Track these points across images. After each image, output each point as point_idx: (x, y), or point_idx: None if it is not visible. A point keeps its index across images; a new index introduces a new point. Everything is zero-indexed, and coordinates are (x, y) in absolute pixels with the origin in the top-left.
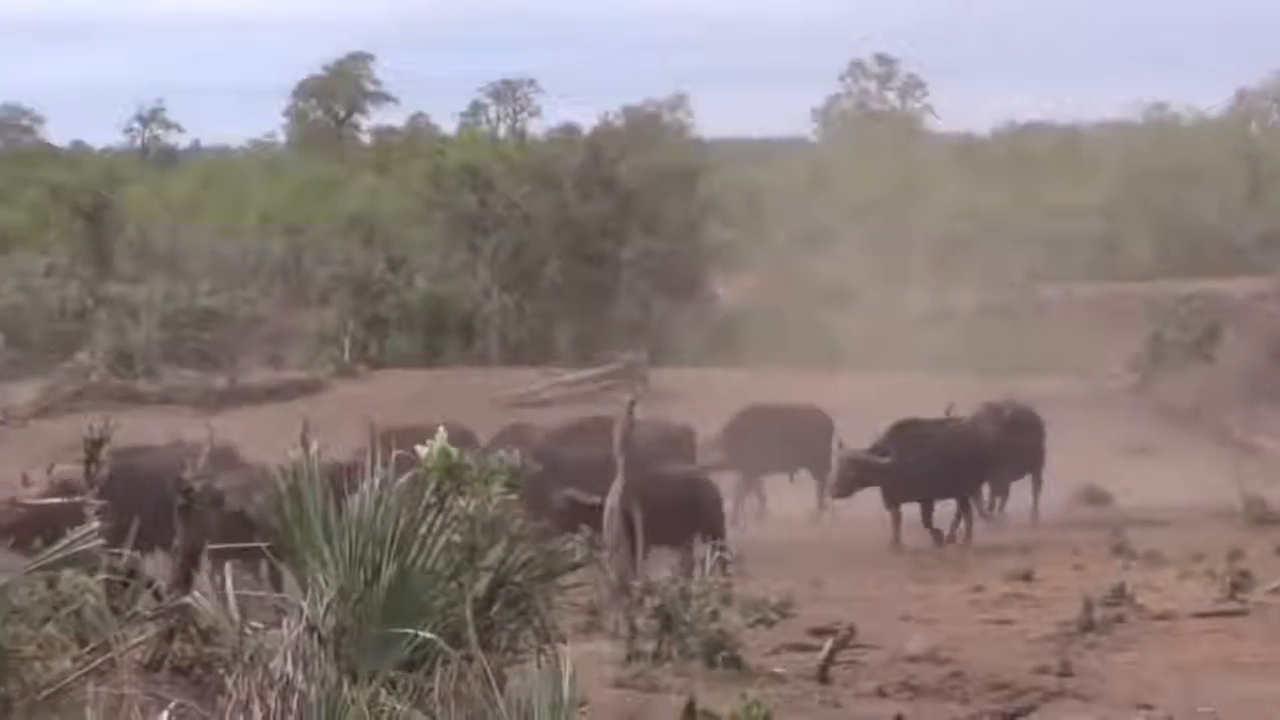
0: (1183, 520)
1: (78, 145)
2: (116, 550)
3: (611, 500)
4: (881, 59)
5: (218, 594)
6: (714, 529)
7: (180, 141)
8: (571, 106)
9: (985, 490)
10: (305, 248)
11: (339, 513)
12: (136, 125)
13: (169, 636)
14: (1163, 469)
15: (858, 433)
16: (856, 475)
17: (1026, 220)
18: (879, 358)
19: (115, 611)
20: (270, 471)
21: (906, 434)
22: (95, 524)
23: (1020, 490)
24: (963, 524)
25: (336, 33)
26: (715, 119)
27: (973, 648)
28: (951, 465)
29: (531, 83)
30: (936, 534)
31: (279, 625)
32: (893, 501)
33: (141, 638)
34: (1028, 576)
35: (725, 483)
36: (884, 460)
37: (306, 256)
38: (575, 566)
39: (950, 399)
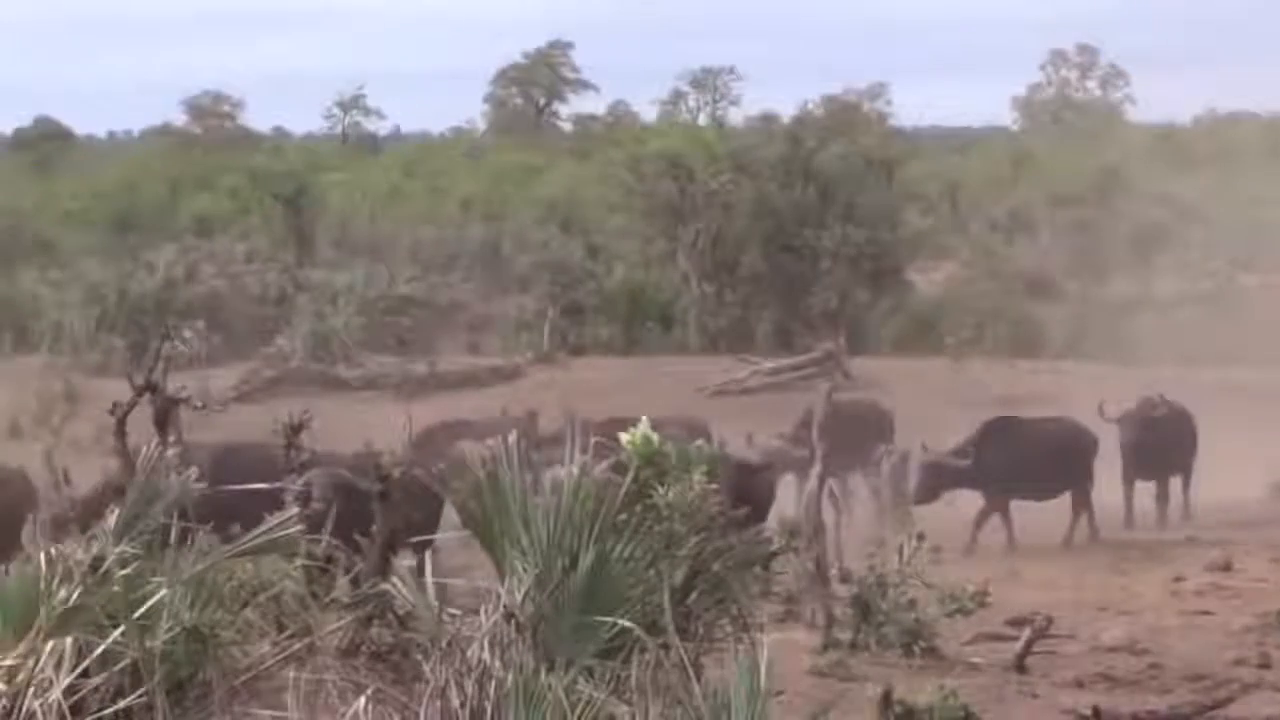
0: None
1: (278, 132)
2: (315, 536)
3: (810, 485)
4: (1083, 48)
5: (416, 580)
6: None
7: (381, 128)
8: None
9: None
10: (505, 235)
11: (538, 498)
12: (337, 112)
13: (367, 622)
14: None
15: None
16: (937, 479)
17: (1227, 209)
18: (1078, 347)
19: (314, 597)
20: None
21: (995, 433)
22: (294, 509)
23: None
24: (1085, 522)
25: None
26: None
27: (1171, 639)
28: (1045, 464)
29: (731, 71)
30: (1009, 535)
31: (477, 612)
32: (993, 504)
33: (340, 623)
34: (1227, 567)
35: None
36: (963, 462)
37: (506, 243)
38: (773, 555)
39: (1155, 389)
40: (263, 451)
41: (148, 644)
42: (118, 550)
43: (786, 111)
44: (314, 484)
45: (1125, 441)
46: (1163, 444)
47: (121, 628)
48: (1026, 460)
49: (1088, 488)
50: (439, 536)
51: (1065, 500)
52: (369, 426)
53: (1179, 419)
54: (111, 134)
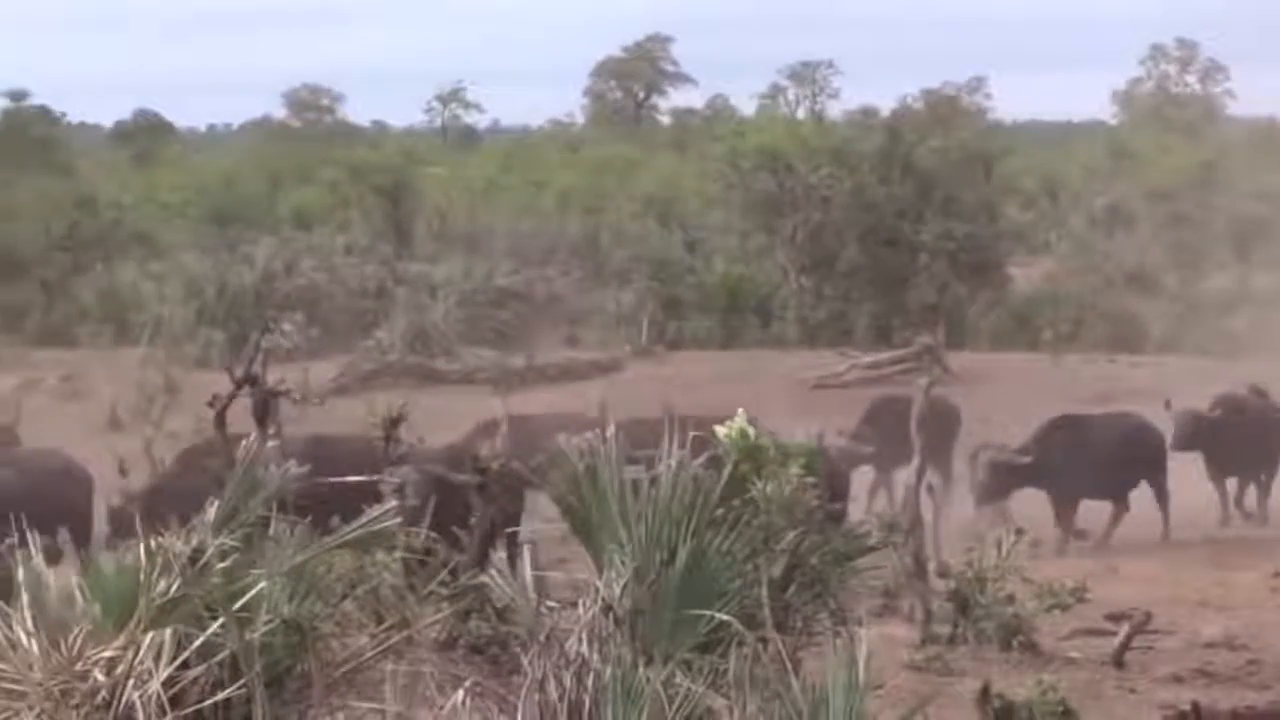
0: None
1: (378, 125)
2: (414, 529)
3: (909, 479)
4: (1182, 43)
5: (514, 573)
6: None
7: (480, 122)
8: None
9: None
10: (603, 228)
11: (636, 493)
12: (436, 105)
13: (465, 615)
14: None
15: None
16: (1001, 478)
17: None
18: (1177, 342)
19: (412, 590)
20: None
21: (1057, 431)
22: (392, 502)
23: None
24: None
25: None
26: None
27: (1270, 634)
28: (1109, 462)
29: (830, 64)
30: (1079, 534)
31: (575, 605)
32: (1058, 502)
33: (438, 616)
34: None
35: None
36: (1024, 460)
37: (604, 237)
38: (870, 549)
39: (1259, 383)
40: (353, 444)
41: (247, 636)
42: (217, 542)
43: (886, 106)
44: (407, 479)
45: (1196, 437)
46: (1245, 440)
47: (221, 620)
48: (1089, 458)
49: (1162, 483)
50: (536, 529)
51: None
52: (466, 420)
53: (1265, 414)
54: (211, 127)
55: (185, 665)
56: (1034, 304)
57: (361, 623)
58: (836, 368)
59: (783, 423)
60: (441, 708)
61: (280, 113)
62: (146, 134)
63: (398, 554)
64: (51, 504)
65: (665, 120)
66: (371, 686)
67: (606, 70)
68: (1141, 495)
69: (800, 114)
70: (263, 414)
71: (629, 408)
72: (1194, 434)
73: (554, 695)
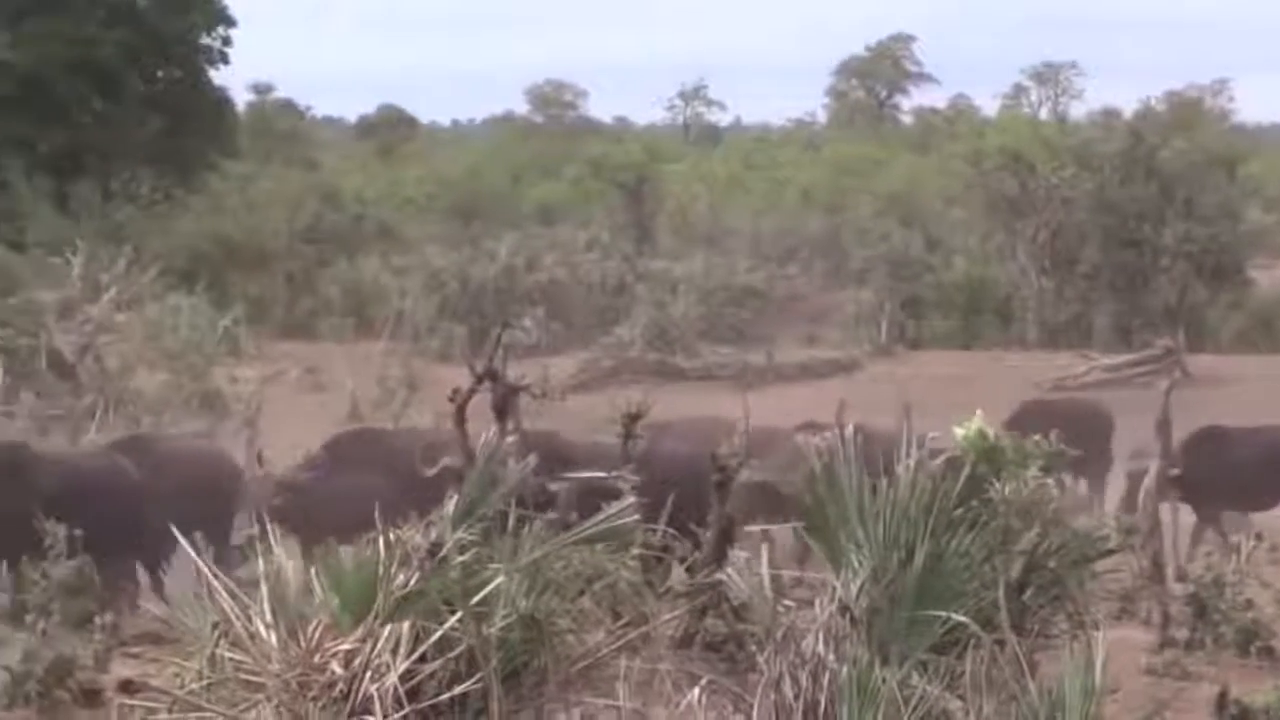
0: None
1: (620, 121)
2: (651, 526)
3: (1147, 483)
4: None
5: (751, 571)
6: None
7: (722, 119)
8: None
9: None
10: (844, 227)
11: (874, 492)
12: (679, 102)
13: (702, 613)
14: None
15: None
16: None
17: None
18: None
19: (649, 586)
20: (806, 450)
21: (1202, 442)
22: (632, 499)
23: None
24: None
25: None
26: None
27: None
28: (1257, 475)
29: (1073, 65)
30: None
31: (811, 604)
32: (1202, 515)
33: (674, 613)
34: None
35: None
36: (1173, 472)
37: (845, 235)
38: (1109, 552)
39: None
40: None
41: (484, 630)
42: (456, 536)
43: (1128, 107)
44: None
45: None
46: None
47: (458, 614)
48: (1235, 470)
49: None
50: (774, 527)
51: None
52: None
53: None
54: (455, 122)
55: (422, 659)
56: (1275, 307)
57: (598, 619)
58: (1076, 369)
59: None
60: (677, 705)
61: (524, 108)
62: (391, 128)
63: (635, 550)
64: (202, 495)
65: (907, 119)
66: (607, 683)
67: (849, 69)
68: None
69: (1043, 115)
70: (503, 409)
71: (867, 407)
72: None
73: (790, 694)
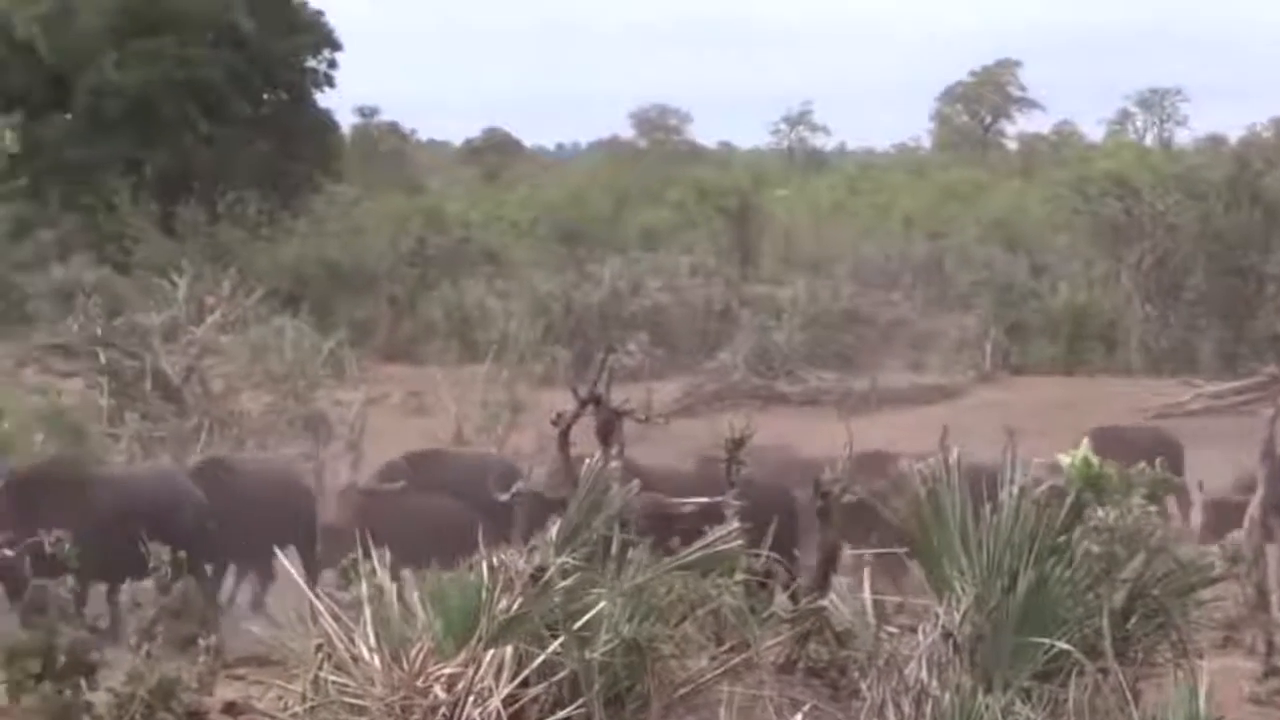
0: None
1: (724, 146)
2: (755, 551)
3: (1252, 510)
4: None
5: (854, 597)
6: None
7: (826, 144)
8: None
9: None
10: (948, 252)
11: (978, 519)
12: (783, 127)
13: (805, 638)
14: None
15: None
16: (1218, 518)
17: None
18: None
19: (752, 612)
20: (910, 476)
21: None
22: (735, 524)
23: None
24: None
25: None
26: None
27: None
28: None
29: (1178, 92)
30: None
31: (914, 630)
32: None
33: (778, 639)
34: None
35: None
36: (1238, 499)
37: (949, 261)
38: (1214, 581)
39: None
40: None
41: (587, 655)
42: (559, 561)
43: (1234, 133)
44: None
45: None
46: None
47: (561, 638)
48: None
49: None
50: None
51: None
52: (808, 442)
53: None
54: (560, 146)
55: (525, 683)
56: None
57: (701, 644)
58: (1180, 397)
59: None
60: None
61: (628, 132)
62: (496, 152)
63: (739, 576)
64: (277, 516)
65: (1011, 145)
66: (710, 708)
67: (953, 95)
68: None
69: (1148, 140)
70: (606, 434)
71: (970, 433)
72: None
73: None
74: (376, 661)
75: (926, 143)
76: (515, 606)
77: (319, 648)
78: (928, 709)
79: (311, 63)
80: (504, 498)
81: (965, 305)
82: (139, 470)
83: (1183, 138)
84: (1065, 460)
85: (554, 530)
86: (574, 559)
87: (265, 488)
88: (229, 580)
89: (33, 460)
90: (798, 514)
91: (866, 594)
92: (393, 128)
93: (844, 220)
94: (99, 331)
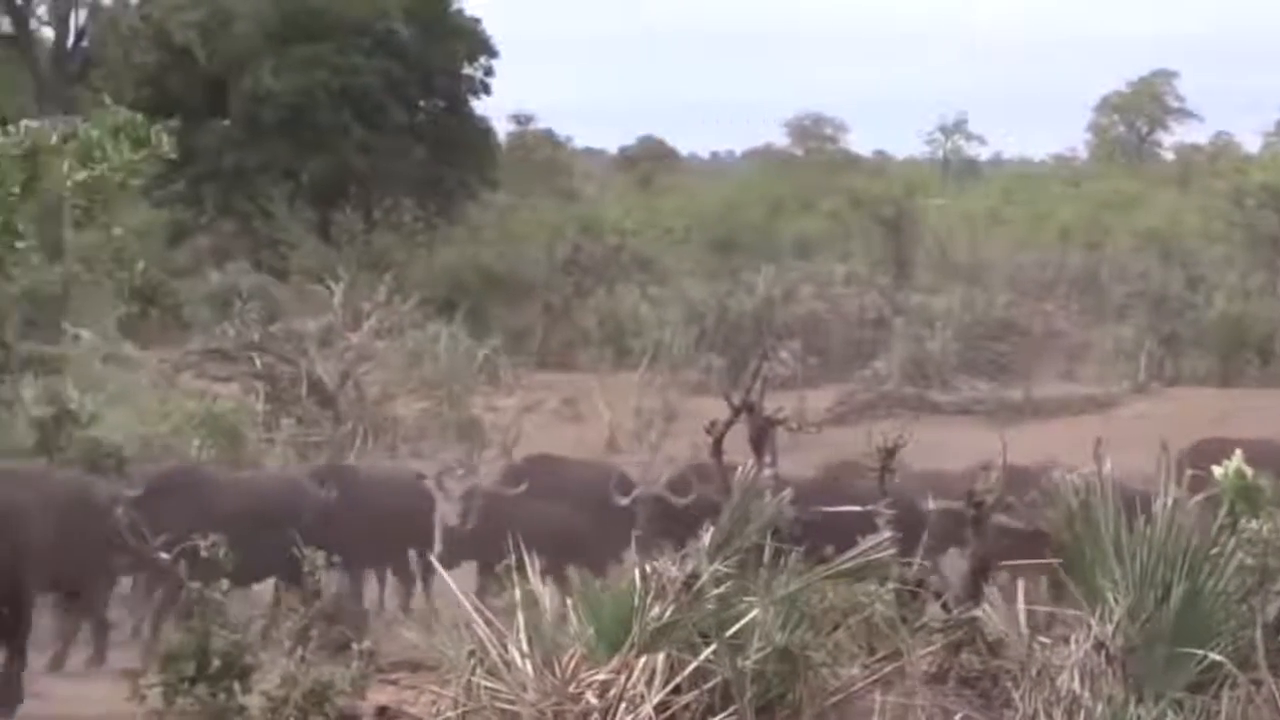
0: None
1: (879, 155)
2: (907, 560)
3: None
4: None
5: (1007, 607)
6: None
7: (981, 154)
8: None
9: None
10: (1103, 263)
11: (1130, 530)
12: (939, 136)
13: (957, 648)
14: None
15: None
16: None
17: None
18: None
19: (904, 621)
20: (1062, 487)
21: None
22: (887, 533)
23: None
24: None
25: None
26: None
27: None
28: None
29: None
30: None
31: (1066, 640)
32: None
33: (929, 648)
34: None
35: None
36: None
37: (1104, 271)
38: None
39: None
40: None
41: (739, 663)
42: (712, 568)
43: None
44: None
45: None
46: None
47: (713, 646)
48: None
49: None
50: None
51: None
52: (961, 452)
53: None
54: (714, 154)
55: (677, 690)
56: None
57: (853, 653)
58: None
59: None
60: None
61: (783, 141)
62: (650, 160)
63: (890, 585)
64: (398, 521)
65: (1168, 156)
66: (861, 717)
67: (1109, 105)
68: None
69: None
70: (759, 442)
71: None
72: None
73: None
74: (529, 667)
75: (1083, 153)
76: (668, 614)
77: (471, 653)
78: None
79: (468, 70)
80: (624, 502)
81: (1120, 316)
82: (260, 475)
83: None
84: (1219, 472)
85: (706, 538)
86: (726, 566)
87: (383, 493)
88: (373, 585)
89: (158, 467)
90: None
91: (1020, 604)
92: (548, 135)
93: (999, 230)
94: (255, 337)
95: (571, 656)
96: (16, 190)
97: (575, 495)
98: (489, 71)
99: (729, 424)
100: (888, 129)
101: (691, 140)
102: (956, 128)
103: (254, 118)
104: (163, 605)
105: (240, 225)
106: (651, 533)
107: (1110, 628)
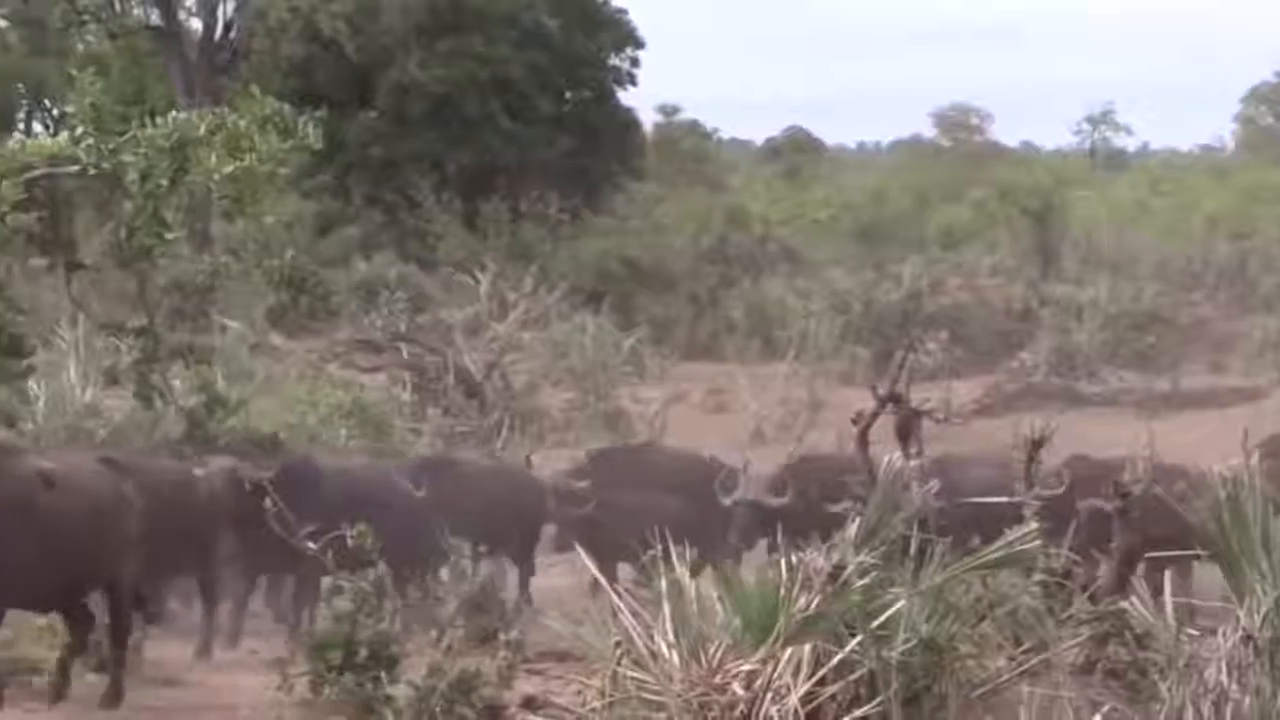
0: None
1: (1026, 146)
2: (1052, 551)
3: None
4: None
5: (1154, 599)
6: None
7: (1129, 144)
8: None
9: None
10: (1251, 254)
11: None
12: (1086, 127)
13: (1103, 640)
14: None
15: None
16: None
17: None
18: None
19: (1050, 613)
20: (1210, 479)
21: None
22: (1034, 524)
23: None
24: None
25: None
26: None
27: None
28: None
29: None
30: None
31: (1214, 633)
32: None
33: (1076, 640)
34: None
35: None
36: None
37: (1252, 262)
38: None
39: None
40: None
41: (884, 654)
42: (857, 560)
43: None
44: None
45: None
46: None
47: (859, 637)
48: None
49: None
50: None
51: None
52: (1108, 443)
53: None
54: (861, 145)
55: (822, 681)
56: None
57: (999, 644)
58: None
59: None
60: None
61: (929, 132)
62: (796, 151)
63: (1037, 576)
64: (503, 513)
65: None
66: (1007, 708)
67: (1259, 95)
68: None
69: None
70: (906, 433)
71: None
72: None
73: None
74: (675, 658)
75: (1230, 144)
76: (814, 605)
77: (618, 644)
78: (1227, 712)
79: (614, 61)
80: (727, 502)
81: (1268, 307)
82: (354, 466)
83: None
84: None
85: (852, 529)
86: (872, 558)
87: (486, 486)
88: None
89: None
90: None
91: (1167, 596)
92: (694, 126)
93: (1146, 221)
94: (402, 327)
95: (717, 647)
96: (165, 181)
97: (676, 488)
98: (635, 62)
99: (875, 415)
100: (1034, 120)
101: (838, 131)
102: (1103, 118)
103: (401, 109)
104: (300, 594)
105: (387, 216)
106: (742, 539)
107: (1258, 620)
